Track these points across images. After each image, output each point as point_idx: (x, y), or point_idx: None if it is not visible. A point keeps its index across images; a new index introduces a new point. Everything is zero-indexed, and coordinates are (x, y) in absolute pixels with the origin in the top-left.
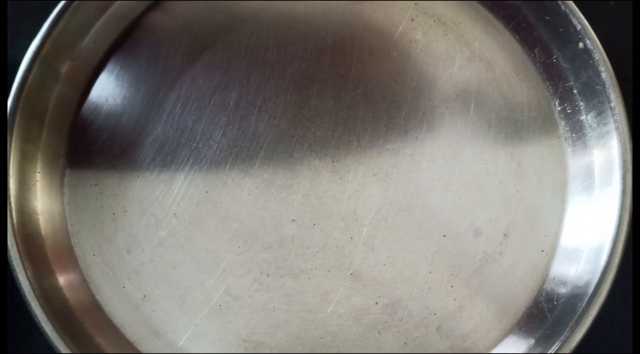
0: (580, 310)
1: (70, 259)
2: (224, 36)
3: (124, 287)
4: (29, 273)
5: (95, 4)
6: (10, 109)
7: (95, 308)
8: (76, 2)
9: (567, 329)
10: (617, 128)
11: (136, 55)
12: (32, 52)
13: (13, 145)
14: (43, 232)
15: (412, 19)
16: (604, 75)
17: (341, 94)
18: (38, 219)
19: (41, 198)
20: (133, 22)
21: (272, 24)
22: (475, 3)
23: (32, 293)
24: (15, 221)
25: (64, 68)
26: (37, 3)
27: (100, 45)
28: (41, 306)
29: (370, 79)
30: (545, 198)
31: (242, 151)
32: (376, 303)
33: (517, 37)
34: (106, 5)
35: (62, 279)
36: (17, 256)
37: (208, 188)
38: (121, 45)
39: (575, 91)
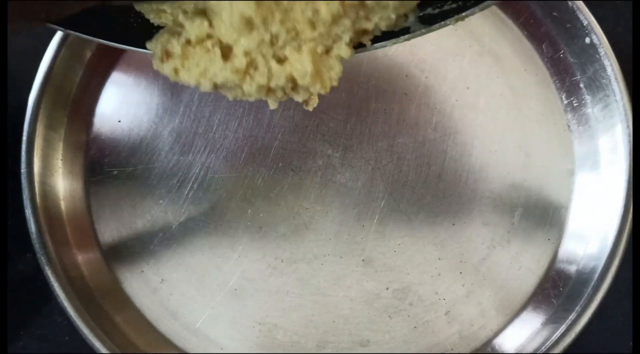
0: (585, 296)
1: (91, 242)
2: None
3: (143, 271)
4: (51, 256)
5: None
6: (36, 97)
7: (115, 289)
8: None
9: (573, 314)
10: (622, 121)
11: None
12: (57, 43)
13: (37, 132)
14: (65, 217)
15: None
16: (609, 69)
17: (353, 86)
18: (60, 204)
19: (63, 184)
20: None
21: None
22: None
23: (54, 274)
24: (39, 205)
25: (86, 58)
26: None
27: None
28: (62, 286)
29: (382, 72)
30: (552, 188)
31: (258, 140)
32: (387, 288)
33: (526, 32)
34: None
35: (83, 262)
36: (40, 239)
37: (224, 176)
38: None
39: (581, 85)
